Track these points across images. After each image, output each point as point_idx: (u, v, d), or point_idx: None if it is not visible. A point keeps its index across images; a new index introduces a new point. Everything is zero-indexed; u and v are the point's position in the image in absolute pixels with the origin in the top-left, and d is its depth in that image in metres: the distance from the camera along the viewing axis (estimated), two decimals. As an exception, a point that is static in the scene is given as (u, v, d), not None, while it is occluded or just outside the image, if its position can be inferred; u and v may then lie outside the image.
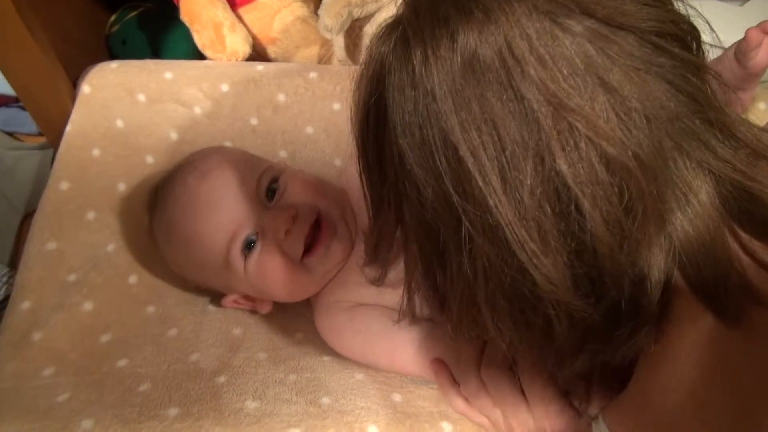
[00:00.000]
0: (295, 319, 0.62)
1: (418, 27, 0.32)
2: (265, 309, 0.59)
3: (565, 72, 0.30)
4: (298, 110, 0.69)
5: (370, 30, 0.70)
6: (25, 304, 0.55)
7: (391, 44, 0.34)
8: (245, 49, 0.71)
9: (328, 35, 0.66)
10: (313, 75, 0.70)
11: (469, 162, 0.30)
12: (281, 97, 0.69)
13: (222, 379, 0.52)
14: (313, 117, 0.70)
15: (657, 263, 0.32)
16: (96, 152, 0.64)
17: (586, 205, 0.30)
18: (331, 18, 0.64)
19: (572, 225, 0.30)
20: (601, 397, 0.42)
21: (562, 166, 0.30)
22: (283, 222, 0.53)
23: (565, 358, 0.35)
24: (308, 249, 0.55)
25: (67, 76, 0.66)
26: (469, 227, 0.31)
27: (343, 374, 0.53)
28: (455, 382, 0.47)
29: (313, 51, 0.77)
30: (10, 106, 0.80)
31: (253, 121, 0.69)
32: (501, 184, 0.30)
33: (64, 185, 0.62)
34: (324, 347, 0.57)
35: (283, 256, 0.54)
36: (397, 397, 0.51)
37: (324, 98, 0.69)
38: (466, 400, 0.47)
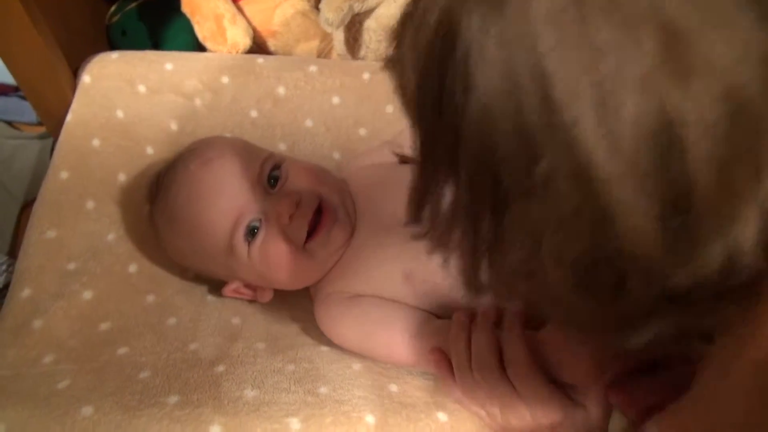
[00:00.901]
0: (293, 310, 0.62)
1: None
2: (266, 297, 0.60)
3: None
4: (297, 103, 0.70)
5: (371, 24, 0.70)
6: (25, 292, 0.55)
7: None
8: (246, 42, 0.71)
9: (328, 29, 0.67)
10: (313, 68, 0.70)
11: (562, 91, 0.26)
12: (281, 90, 0.69)
13: (221, 368, 0.52)
14: (313, 110, 0.70)
15: (756, 220, 0.27)
16: (96, 142, 0.64)
17: (693, 150, 0.25)
18: (332, 11, 0.65)
19: (673, 170, 0.26)
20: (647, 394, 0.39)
21: (672, 100, 0.25)
22: (287, 207, 0.54)
23: (631, 324, 0.31)
24: (310, 234, 0.56)
25: (68, 66, 0.66)
26: (549, 167, 0.27)
27: (340, 364, 0.54)
28: (452, 372, 0.48)
29: (313, 45, 0.78)
30: (8, 95, 0.80)
31: (253, 114, 0.69)
32: (596, 118, 0.26)
33: (64, 174, 0.62)
34: (322, 338, 0.57)
35: (286, 241, 0.55)
36: (393, 388, 0.52)
37: (324, 92, 0.70)
38: (463, 389, 0.47)
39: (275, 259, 0.55)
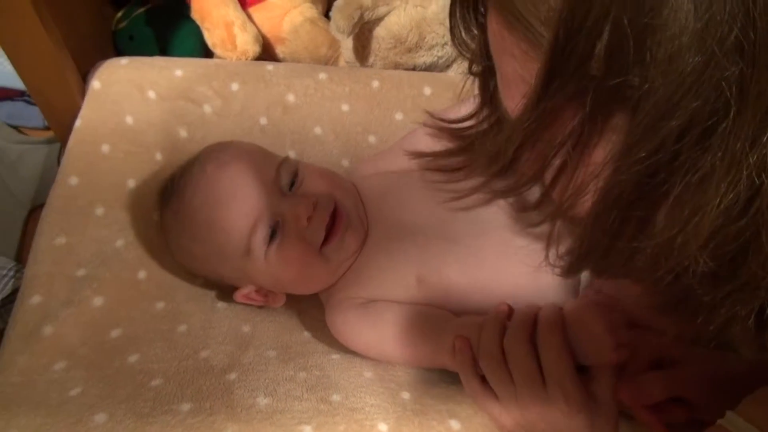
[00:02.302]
0: (302, 318, 0.62)
1: None
2: (278, 302, 0.60)
3: None
4: (307, 111, 0.70)
5: (380, 33, 0.71)
6: (35, 299, 0.55)
7: None
8: (255, 49, 0.71)
9: (339, 37, 0.67)
10: (322, 76, 0.70)
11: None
12: (291, 98, 0.70)
13: (233, 375, 0.52)
14: (322, 118, 0.70)
15: None
16: (105, 148, 0.64)
17: None
18: (343, 19, 0.65)
19: None
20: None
21: None
22: (304, 209, 0.54)
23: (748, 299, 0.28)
24: (324, 238, 0.56)
25: (77, 71, 0.66)
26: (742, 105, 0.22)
27: (352, 372, 0.54)
28: (474, 363, 0.48)
29: (321, 52, 0.78)
30: (15, 100, 0.80)
31: (263, 121, 0.69)
32: None
33: (74, 180, 0.62)
34: (332, 345, 0.57)
35: (304, 243, 0.55)
36: (406, 395, 0.52)
37: (333, 99, 0.70)
38: (482, 381, 0.47)
39: (292, 261, 0.55)
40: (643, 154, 0.25)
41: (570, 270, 0.36)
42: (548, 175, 0.31)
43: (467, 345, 0.49)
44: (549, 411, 0.44)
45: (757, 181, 0.24)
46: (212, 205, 0.56)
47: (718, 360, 0.46)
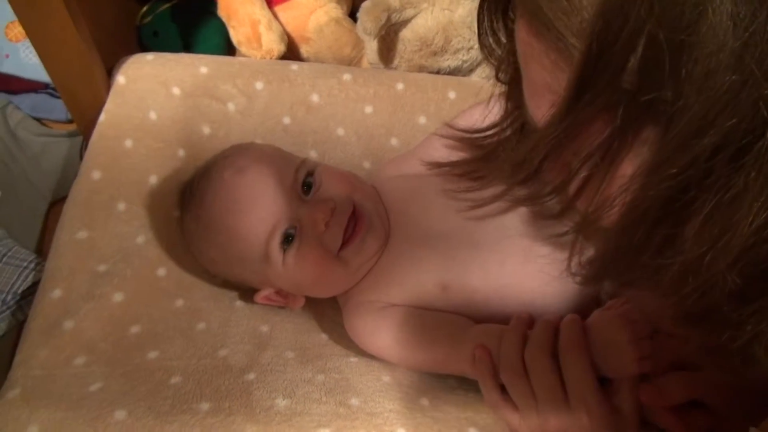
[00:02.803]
0: (320, 320, 0.62)
1: None
2: (298, 304, 0.60)
3: None
4: (330, 111, 0.70)
5: (406, 35, 0.71)
6: (56, 293, 0.55)
7: None
8: (281, 48, 0.71)
9: (366, 38, 0.67)
10: (347, 77, 0.70)
11: None
12: (315, 98, 0.69)
13: (251, 376, 0.52)
14: (345, 119, 0.70)
15: None
16: (129, 143, 0.64)
17: None
18: (371, 21, 0.65)
19: None
20: None
21: None
22: (322, 215, 0.54)
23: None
24: (344, 242, 0.56)
25: (102, 65, 0.66)
26: None
27: (370, 376, 0.54)
28: (494, 373, 0.47)
29: (345, 52, 0.78)
30: (38, 92, 0.80)
31: (286, 120, 0.69)
32: None
33: (96, 174, 0.62)
34: (350, 348, 0.57)
35: (322, 248, 0.55)
36: (424, 401, 0.52)
37: (357, 100, 0.70)
38: (502, 391, 0.47)
39: (310, 266, 0.55)
40: (674, 170, 0.25)
41: (591, 280, 0.35)
42: (574, 186, 0.30)
43: (487, 354, 0.48)
44: (571, 425, 0.44)
45: None
46: (231, 213, 0.56)
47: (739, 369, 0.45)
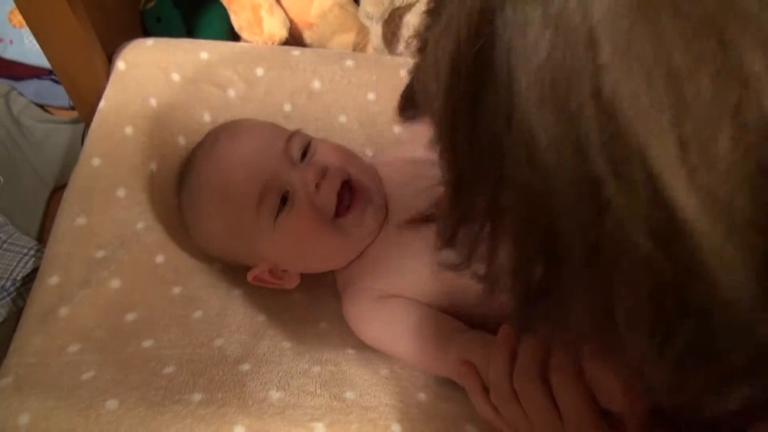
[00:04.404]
0: (320, 308, 0.61)
1: None
2: (292, 283, 0.59)
3: None
4: (332, 98, 0.68)
5: (411, 19, 0.69)
6: (53, 279, 0.55)
7: None
8: (282, 33, 0.70)
9: (367, 23, 0.65)
10: (349, 63, 0.68)
11: (637, 130, 0.21)
12: (316, 84, 0.68)
13: (246, 366, 0.51)
14: (347, 106, 0.69)
15: None
16: (129, 130, 0.64)
17: None
18: (372, 5, 0.63)
19: None
20: None
21: None
22: (313, 175, 0.53)
23: (717, 385, 0.27)
24: (344, 211, 0.55)
25: (102, 51, 0.66)
26: (622, 220, 0.23)
27: (367, 369, 0.53)
28: (483, 388, 0.46)
29: (349, 38, 0.76)
30: (42, 78, 0.80)
31: (287, 107, 0.68)
32: (681, 162, 0.21)
33: (96, 161, 0.62)
34: (348, 339, 0.56)
35: (315, 212, 0.54)
36: (422, 396, 0.51)
37: (359, 87, 0.68)
38: (494, 407, 0.46)
39: (303, 231, 0.54)
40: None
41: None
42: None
43: (472, 371, 0.47)
44: None
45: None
46: (221, 175, 0.55)
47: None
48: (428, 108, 0.29)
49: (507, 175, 0.26)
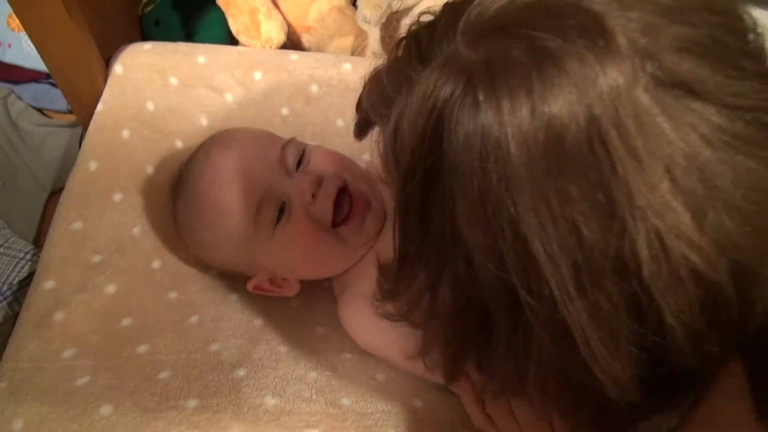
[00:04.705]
0: (316, 313, 0.61)
1: (491, 84, 0.27)
2: (292, 291, 0.59)
3: (661, 172, 0.26)
4: (329, 102, 0.68)
5: (408, 23, 0.68)
6: (49, 284, 0.55)
7: (456, 94, 0.28)
8: (280, 37, 0.69)
9: (365, 26, 0.65)
10: (347, 66, 0.68)
11: (542, 260, 0.27)
12: (314, 88, 0.68)
13: (242, 372, 0.51)
14: (345, 110, 0.68)
15: (728, 349, 0.30)
16: (126, 134, 0.64)
17: (668, 318, 0.27)
18: (369, 9, 0.63)
19: (649, 333, 0.28)
20: None
21: (647, 275, 0.26)
22: (308, 185, 0.53)
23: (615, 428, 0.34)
24: (343, 220, 0.55)
25: (100, 55, 0.65)
26: (532, 318, 0.29)
27: (363, 375, 0.53)
28: (479, 397, 0.46)
29: (348, 42, 0.76)
30: (40, 82, 0.80)
31: (284, 111, 0.68)
32: (575, 287, 0.27)
33: (93, 165, 0.61)
34: (345, 344, 0.56)
35: (312, 221, 0.53)
36: (418, 403, 0.50)
37: (357, 91, 0.67)
38: (489, 416, 0.45)
39: (300, 240, 0.54)
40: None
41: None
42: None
43: (468, 380, 0.47)
44: None
45: None
46: (217, 186, 0.55)
47: None
48: (389, 178, 0.34)
49: (448, 263, 0.31)
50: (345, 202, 0.55)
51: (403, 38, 0.34)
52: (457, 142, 0.28)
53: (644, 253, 0.26)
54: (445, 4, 0.33)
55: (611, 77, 0.25)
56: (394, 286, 0.37)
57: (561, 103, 0.26)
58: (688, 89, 0.26)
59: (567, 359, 0.29)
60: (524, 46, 0.27)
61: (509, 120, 0.26)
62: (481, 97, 0.27)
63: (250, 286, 0.58)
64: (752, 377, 0.30)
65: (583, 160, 0.26)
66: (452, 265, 0.31)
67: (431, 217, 0.31)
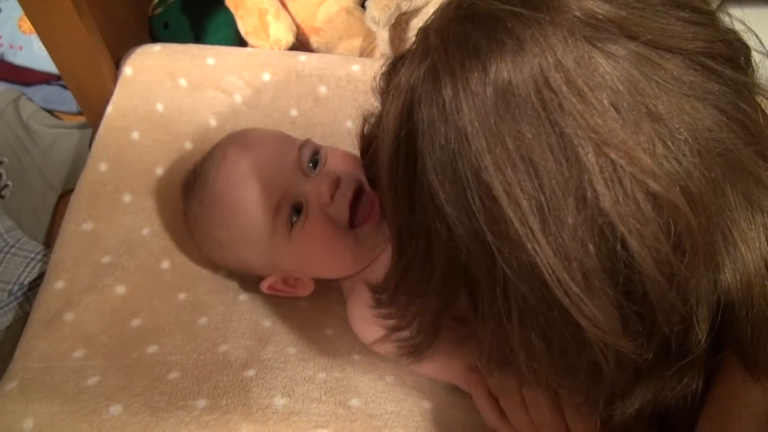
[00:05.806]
0: (325, 314, 0.61)
1: (446, 59, 0.31)
2: (307, 290, 0.59)
3: (606, 103, 0.28)
4: (338, 104, 0.68)
5: (417, 24, 0.68)
6: (59, 284, 0.55)
7: (420, 76, 0.32)
8: (289, 38, 0.70)
9: (374, 27, 0.65)
10: (355, 68, 0.68)
11: (504, 202, 0.29)
12: (322, 90, 0.68)
13: (251, 372, 0.51)
14: (354, 111, 0.68)
15: (706, 300, 0.30)
16: (135, 135, 0.64)
17: (633, 244, 0.28)
18: (378, 10, 0.63)
19: (618, 264, 0.29)
20: None
21: (606, 204, 0.28)
22: (327, 186, 0.53)
23: (614, 400, 0.34)
24: (359, 221, 0.55)
25: (110, 57, 0.66)
26: (504, 267, 0.30)
27: (373, 375, 0.52)
28: (491, 395, 0.46)
29: (356, 43, 0.76)
30: (51, 84, 0.81)
31: (293, 112, 0.68)
32: (540, 225, 0.29)
33: (103, 166, 0.62)
34: (354, 345, 0.56)
35: (329, 221, 0.54)
36: (427, 404, 0.50)
37: (366, 92, 0.67)
38: (501, 414, 0.45)
39: (317, 240, 0.54)
40: None
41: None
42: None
43: (479, 378, 0.47)
44: None
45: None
46: (235, 187, 0.55)
47: None
48: (380, 164, 0.36)
49: (432, 231, 0.33)
50: (360, 203, 0.55)
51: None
52: (422, 110, 0.32)
53: (600, 183, 0.28)
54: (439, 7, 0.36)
55: (551, 31, 0.29)
56: (396, 276, 0.39)
57: (508, 60, 0.29)
58: (624, 32, 0.29)
59: (546, 309, 0.30)
60: (479, 22, 0.31)
61: (461, 82, 0.30)
62: (439, 69, 0.31)
63: (263, 286, 0.58)
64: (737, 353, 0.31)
65: (531, 103, 0.29)
66: (437, 231, 0.32)
67: (415, 189, 0.33)
